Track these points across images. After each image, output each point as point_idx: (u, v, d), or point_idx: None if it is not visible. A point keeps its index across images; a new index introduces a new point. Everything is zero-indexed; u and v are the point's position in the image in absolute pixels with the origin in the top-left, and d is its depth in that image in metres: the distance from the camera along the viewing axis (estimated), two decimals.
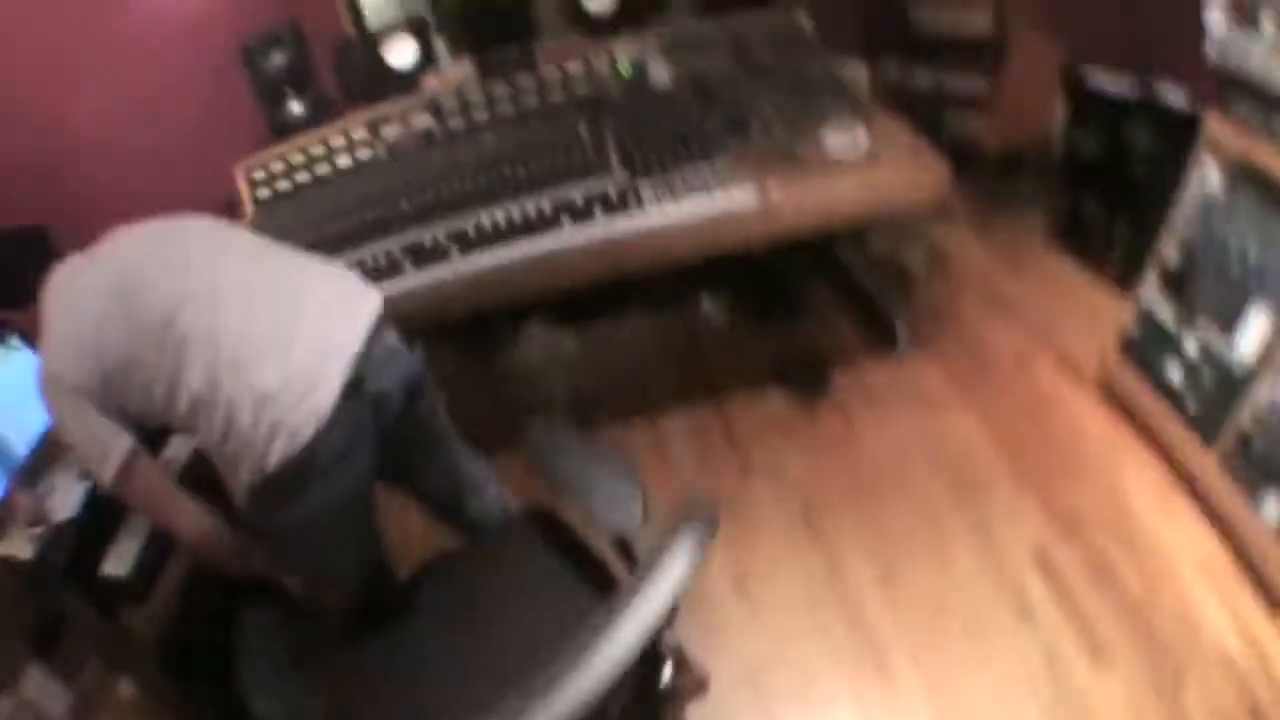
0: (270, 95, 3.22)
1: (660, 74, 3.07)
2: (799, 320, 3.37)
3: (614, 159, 2.64)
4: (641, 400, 3.17)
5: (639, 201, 2.45)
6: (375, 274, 2.46)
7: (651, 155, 2.61)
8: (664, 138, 2.68)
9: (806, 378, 2.99)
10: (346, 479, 1.64)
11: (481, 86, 3.11)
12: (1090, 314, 3.14)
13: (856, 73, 4.06)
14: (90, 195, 3.98)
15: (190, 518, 1.75)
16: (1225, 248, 2.29)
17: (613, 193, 2.49)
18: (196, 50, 3.55)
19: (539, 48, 3.19)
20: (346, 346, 1.59)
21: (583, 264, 2.43)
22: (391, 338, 1.74)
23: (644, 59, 3.09)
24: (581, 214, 2.44)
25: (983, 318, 3.24)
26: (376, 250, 2.56)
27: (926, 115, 4.01)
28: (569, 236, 2.41)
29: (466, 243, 2.46)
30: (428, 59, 3.26)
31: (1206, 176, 2.38)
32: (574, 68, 3.09)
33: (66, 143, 3.79)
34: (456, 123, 3.10)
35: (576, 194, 2.51)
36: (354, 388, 1.59)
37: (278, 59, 3.19)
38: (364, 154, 3.12)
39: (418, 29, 3.23)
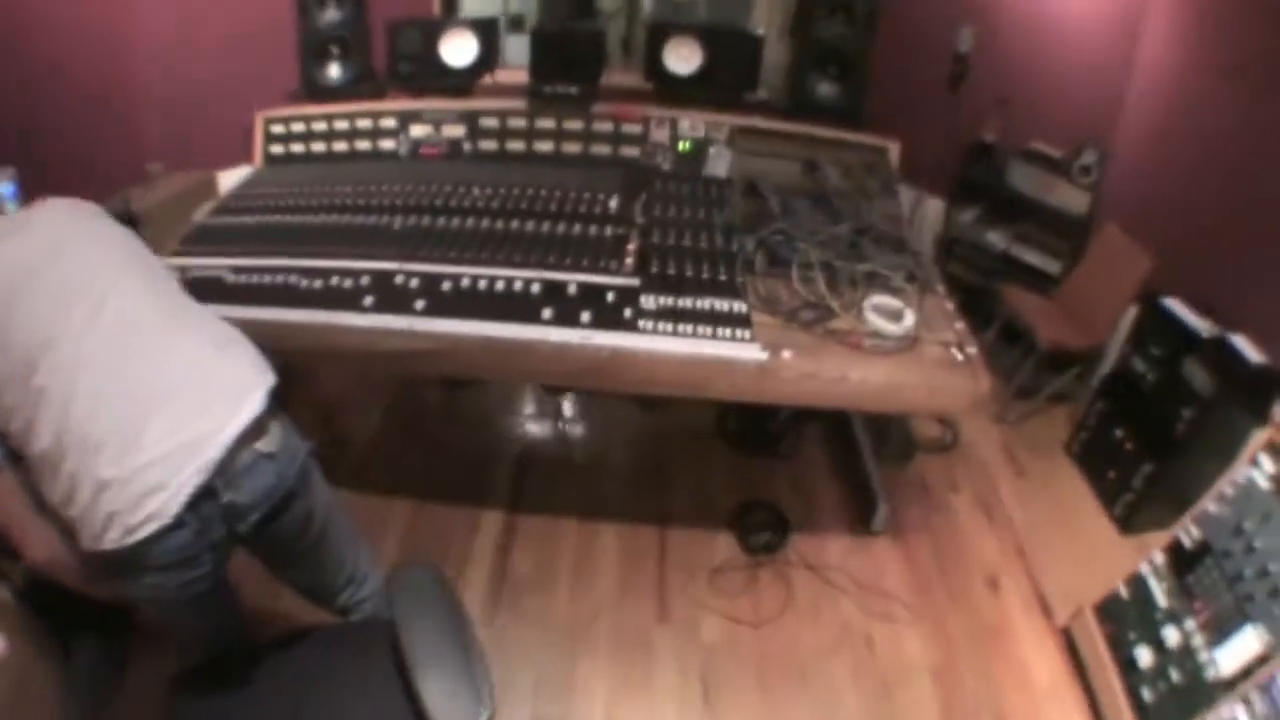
0: (313, 50, 2.97)
1: (719, 164, 2.78)
2: (780, 456, 3.09)
3: (630, 255, 2.34)
4: (587, 495, 2.91)
5: (635, 319, 2.14)
6: (333, 298, 2.21)
7: (670, 265, 2.32)
8: (692, 250, 2.39)
9: (761, 534, 2.71)
10: (186, 577, 1.46)
11: (528, 114, 2.86)
12: (1082, 547, 2.87)
13: (931, 210, 3.82)
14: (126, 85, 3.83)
15: (39, 543, 1.54)
16: (1250, 551, 2.04)
17: (611, 297, 2.19)
18: None
19: (601, 91, 2.94)
20: (203, 452, 1.40)
21: (548, 367, 2.14)
22: (268, 440, 1.50)
23: (708, 141, 2.81)
24: (567, 312, 2.14)
25: (971, 517, 2.95)
26: (347, 266, 2.30)
27: (990, 278, 3.78)
28: (543, 333, 2.10)
29: (436, 298, 2.19)
30: (486, 63, 3.01)
31: (1260, 467, 2.11)
32: (630, 126, 2.83)
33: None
34: (488, 145, 2.86)
35: (573, 283, 2.22)
36: (206, 494, 1.40)
37: (330, 15, 2.94)
38: (386, 145, 2.89)
39: (485, 30, 2.97)
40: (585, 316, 2.12)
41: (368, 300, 2.19)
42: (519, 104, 2.87)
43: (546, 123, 2.84)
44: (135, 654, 2.05)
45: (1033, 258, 3.67)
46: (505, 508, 2.84)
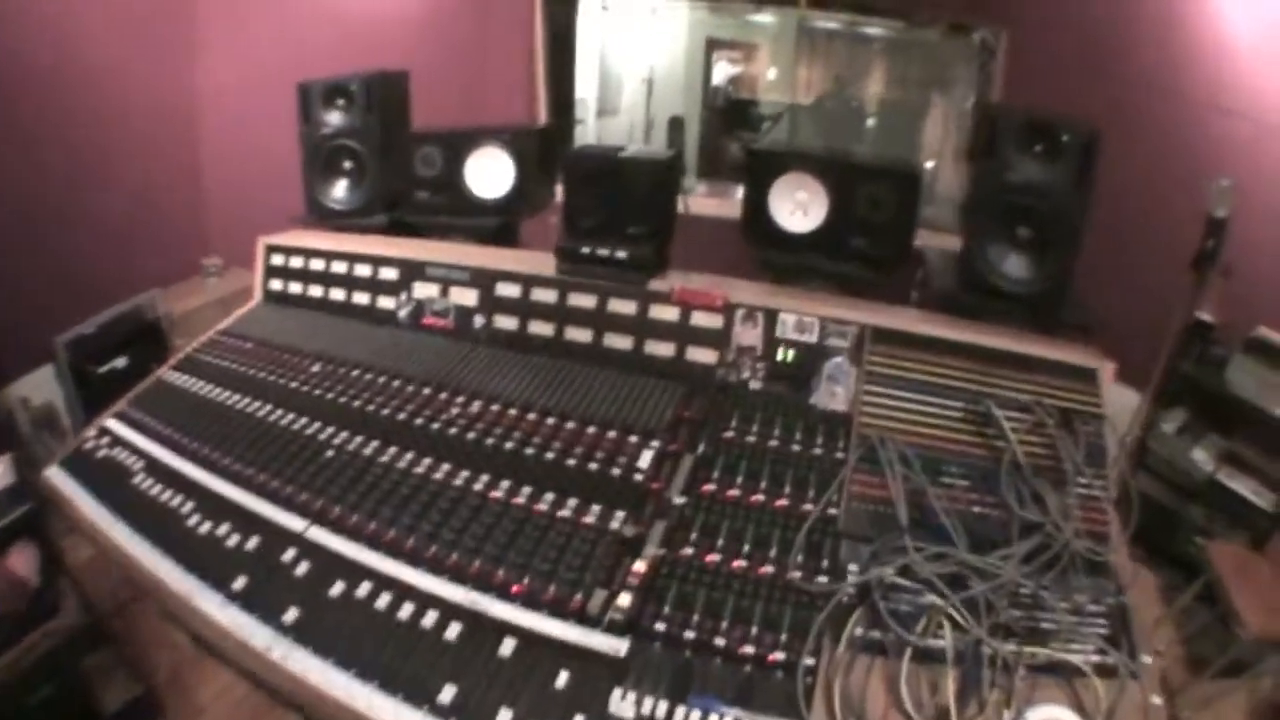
0: (318, 161, 2.15)
1: (834, 389, 1.64)
2: None
3: (630, 584, 1.28)
4: None
5: None
6: (206, 559, 1.40)
7: (696, 613, 1.23)
8: (746, 580, 1.29)
9: None
10: None
11: (559, 285, 1.86)
12: None
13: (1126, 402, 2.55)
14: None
15: None
16: None
17: (564, 681, 1.15)
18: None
19: (675, 256, 1.90)
20: None
21: None
22: None
23: (823, 349, 1.68)
24: (479, 703, 1.12)
25: None
26: (249, 508, 1.48)
27: (1189, 502, 2.64)
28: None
29: (314, 608, 1.28)
30: (527, 195, 2.06)
31: None
32: (706, 315, 1.76)
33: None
34: (506, 323, 1.89)
35: (516, 632, 1.21)
36: None
37: (335, 118, 2.11)
38: (385, 304, 2.00)
39: (526, 149, 2.02)
40: (503, 718, 1.11)
41: (239, 582, 1.35)
42: (551, 269, 1.88)
43: (583, 300, 1.82)
44: None
45: (1244, 487, 2.49)
46: None
